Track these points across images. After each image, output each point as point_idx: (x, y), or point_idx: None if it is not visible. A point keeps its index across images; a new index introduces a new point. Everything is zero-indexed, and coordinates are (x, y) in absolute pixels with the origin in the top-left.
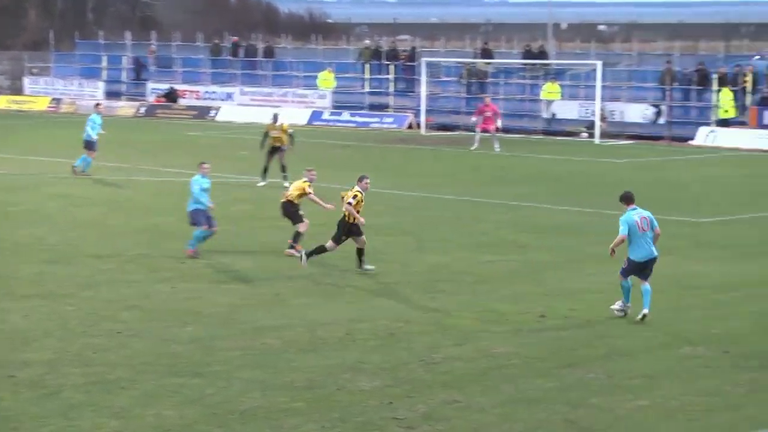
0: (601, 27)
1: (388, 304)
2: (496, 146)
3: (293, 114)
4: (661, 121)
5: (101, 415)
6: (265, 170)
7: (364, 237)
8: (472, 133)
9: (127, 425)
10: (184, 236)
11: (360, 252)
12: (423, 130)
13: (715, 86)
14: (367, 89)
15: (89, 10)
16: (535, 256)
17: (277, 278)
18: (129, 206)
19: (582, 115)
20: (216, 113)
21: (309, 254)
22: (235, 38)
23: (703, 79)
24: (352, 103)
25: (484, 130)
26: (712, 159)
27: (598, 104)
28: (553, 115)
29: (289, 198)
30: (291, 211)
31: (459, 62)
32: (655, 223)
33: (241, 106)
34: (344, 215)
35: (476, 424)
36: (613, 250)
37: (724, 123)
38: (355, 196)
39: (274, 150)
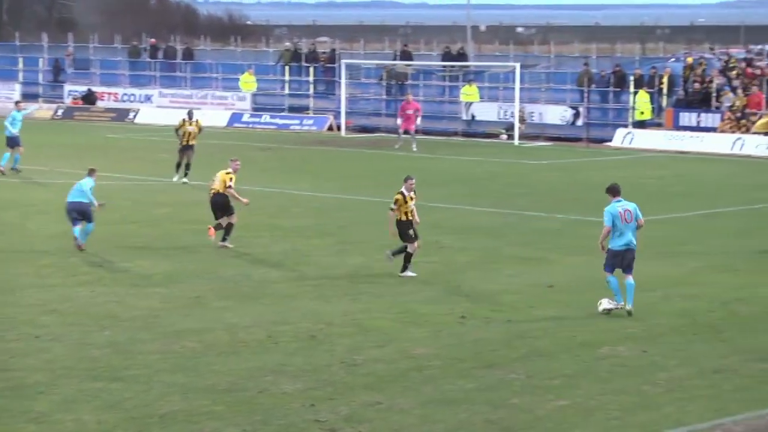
0: (520, 29)
1: (310, 307)
2: (414, 147)
3: (213, 116)
4: (579, 122)
5: (18, 420)
6: (178, 166)
7: (417, 242)
8: (394, 135)
9: (45, 431)
10: (104, 240)
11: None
12: (343, 132)
13: (631, 88)
14: (287, 91)
15: (4, 11)
16: (456, 258)
17: (197, 281)
18: (48, 209)
19: (501, 117)
20: (135, 115)
21: (394, 253)
22: (153, 40)
23: (620, 81)
24: (272, 105)
25: (406, 130)
26: (628, 160)
27: (517, 106)
28: (473, 116)
29: (217, 190)
30: (222, 202)
31: (379, 64)
32: (639, 214)
33: (161, 108)
34: (398, 217)
35: (397, 426)
36: (602, 245)
37: (640, 125)
38: (396, 201)
39: (187, 147)
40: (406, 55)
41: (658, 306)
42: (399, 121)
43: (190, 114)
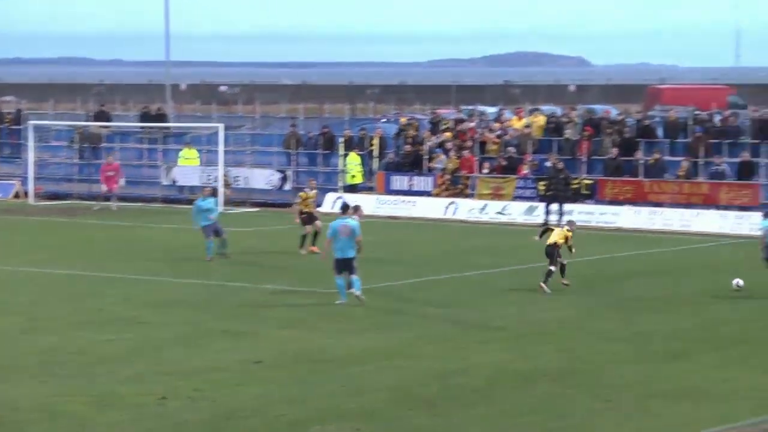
0: (223, 88)
1: None
2: (113, 206)
3: None
4: (288, 187)
5: None
6: None
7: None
8: (88, 202)
9: None
10: None
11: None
12: (31, 200)
13: (341, 150)
14: None
15: None
16: (157, 333)
17: None
18: None
19: (204, 182)
20: None
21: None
22: None
23: (329, 143)
24: None
25: (108, 191)
26: None
27: (221, 170)
28: (174, 181)
29: None
30: None
31: (70, 125)
32: (357, 232)
33: None
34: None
35: None
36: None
37: (351, 188)
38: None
39: None
40: (102, 116)
41: (371, 380)
42: (103, 186)
43: None
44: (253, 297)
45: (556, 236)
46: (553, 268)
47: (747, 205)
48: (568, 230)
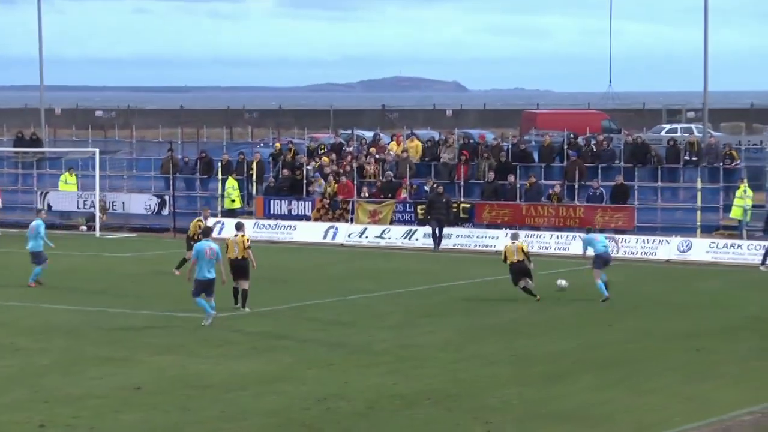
0: (99, 112)
1: None
2: None
3: None
4: (165, 212)
5: None
6: None
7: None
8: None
9: None
10: None
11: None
12: None
13: (219, 175)
14: None
15: None
16: (34, 360)
17: None
18: None
19: (81, 207)
20: None
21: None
22: None
23: (207, 168)
24: None
25: None
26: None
27: (97, 194)
28: (49, 206)
29: None
30: None
31: None
32: (220, 256)
33: None
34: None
35: None
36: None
37: (230, 213)
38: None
39: None
40: None
41: (249, 405)
42: None
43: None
44: (131, 323)
45: (517, 253)
46: (530, 281)
47: (622, 228)
48: (521, 243)
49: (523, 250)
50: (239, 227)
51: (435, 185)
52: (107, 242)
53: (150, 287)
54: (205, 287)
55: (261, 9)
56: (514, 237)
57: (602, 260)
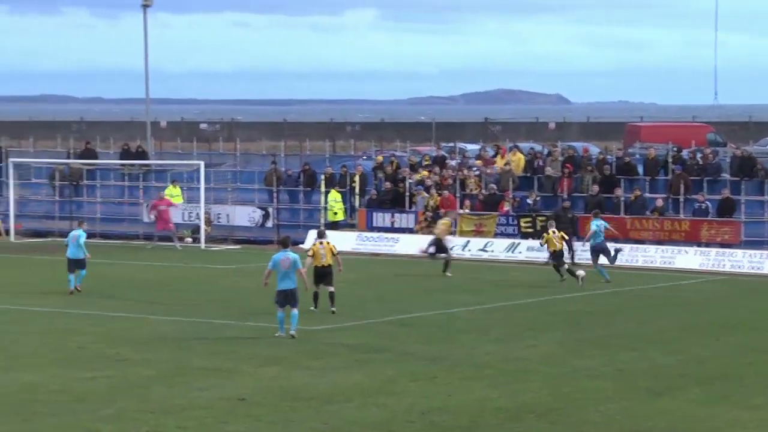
0: (203, 125)
1: None
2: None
3: None
4: (269, 224)
5: None
6: None
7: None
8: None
9: None
10: None
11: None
12: (12, 237)
13: (323, 188)
14: None
15: None
16: (139, 371)
17: None
18: None
19: (186, 219)
20: None
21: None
22: None
23: (310, 180)
24: None
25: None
26: None
27: (202, 207)
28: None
29: None
30: None
31: (50, 163)
32: (299, 264)
33: None
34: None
35: None
36: (266, 283)
37: (333, 226)
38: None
39: None
40: (88, 153)
41: (353, 417)
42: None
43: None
44: (236, 334)
45: (558, 241)
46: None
47: (728, 242)
48: (563, 232)
49: (563, 238)
50: (321, 235)
51: (566, 204)
52: (212, 254)
53: (254, 299)
54: (286, 297)
55: (361, 22)
56: (552, 226)
57: (595, 251)
